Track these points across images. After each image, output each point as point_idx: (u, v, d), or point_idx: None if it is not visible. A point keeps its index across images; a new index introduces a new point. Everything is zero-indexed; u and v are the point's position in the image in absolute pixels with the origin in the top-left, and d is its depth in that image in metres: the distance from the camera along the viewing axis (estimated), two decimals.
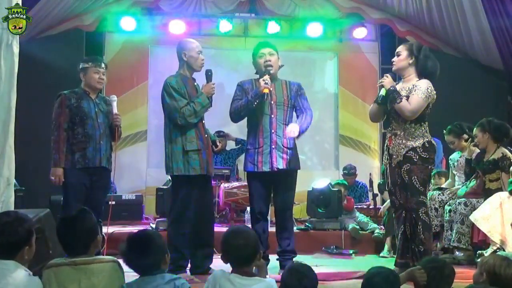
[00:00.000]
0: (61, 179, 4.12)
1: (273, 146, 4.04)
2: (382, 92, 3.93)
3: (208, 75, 4.14)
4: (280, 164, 4.04)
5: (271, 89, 4.07)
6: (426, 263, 2.59)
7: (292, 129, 4.05)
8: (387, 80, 3.88)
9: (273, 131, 4.06)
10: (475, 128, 4.94)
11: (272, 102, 4.10)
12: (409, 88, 3.86)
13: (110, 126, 4.40)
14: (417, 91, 3.79)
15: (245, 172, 4.21)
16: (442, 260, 2.78)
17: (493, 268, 2.49)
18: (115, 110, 4.38)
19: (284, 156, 4.05)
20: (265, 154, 4.03)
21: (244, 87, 4.20)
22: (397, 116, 3.87)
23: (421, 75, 3.91)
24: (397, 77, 4.22)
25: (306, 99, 4.26)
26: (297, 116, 4.24)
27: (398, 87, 3.94)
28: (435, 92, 3.85)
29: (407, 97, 3.81)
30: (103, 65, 4.35)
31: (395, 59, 3.99)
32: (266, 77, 4.02)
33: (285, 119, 4.12)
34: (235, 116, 4.21)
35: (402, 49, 3.96)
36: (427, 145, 3.82)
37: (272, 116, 4.08)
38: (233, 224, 5.99)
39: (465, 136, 5.26)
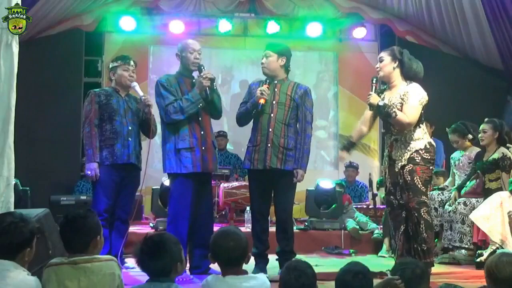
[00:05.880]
0: (97, 174, 4.13)
1: (268, 145, 4.02)
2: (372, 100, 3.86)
3: (200, 70, 4.09)
4: (274, 163, 4.01)
5: (266, 98, 4.02)
6: (399, 266, 2.49)
7: (299, 178, 4.07)
8: (373, 97, 3.82)
9: (270, 129, 4.04)
10: (484, 124, 4.92)
11: (274, 102, 4.08)
12: (400, 95, 3.81)
13: (141, 123, 4.38)
14: (410, 99, 3.75)
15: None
16: (413, 261, 2.71)
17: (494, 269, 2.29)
18: (141, 93, 4.33)
19: (280, 156, 4.02)
20: (260, 151, 4.04)
21: (251, 88, 4.23)
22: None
23: (407, 78, 3.87)
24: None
25: (309, 110, 4.16)
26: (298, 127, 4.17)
27: (387, 95, 3.91)
28: (426, 94, 3.82)
29: (401, 104, 3.78)
30: (132, 63, 4.38)
31: (378, 65, 3.94)
32: (265, 87, 4.03)
33: (285, 119, 4.08)
34: (238, 121, 4.28)
35: (384, 54, 3.92)
36: (428, 146, 3.82)
37: (272, 115, 4.06)
38: (233, 224, 5.99)
39: (470, 136, 5.25)
